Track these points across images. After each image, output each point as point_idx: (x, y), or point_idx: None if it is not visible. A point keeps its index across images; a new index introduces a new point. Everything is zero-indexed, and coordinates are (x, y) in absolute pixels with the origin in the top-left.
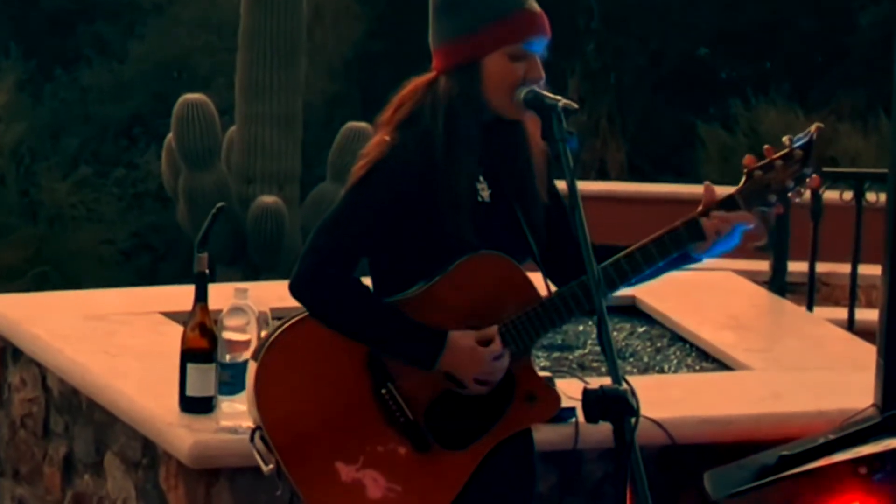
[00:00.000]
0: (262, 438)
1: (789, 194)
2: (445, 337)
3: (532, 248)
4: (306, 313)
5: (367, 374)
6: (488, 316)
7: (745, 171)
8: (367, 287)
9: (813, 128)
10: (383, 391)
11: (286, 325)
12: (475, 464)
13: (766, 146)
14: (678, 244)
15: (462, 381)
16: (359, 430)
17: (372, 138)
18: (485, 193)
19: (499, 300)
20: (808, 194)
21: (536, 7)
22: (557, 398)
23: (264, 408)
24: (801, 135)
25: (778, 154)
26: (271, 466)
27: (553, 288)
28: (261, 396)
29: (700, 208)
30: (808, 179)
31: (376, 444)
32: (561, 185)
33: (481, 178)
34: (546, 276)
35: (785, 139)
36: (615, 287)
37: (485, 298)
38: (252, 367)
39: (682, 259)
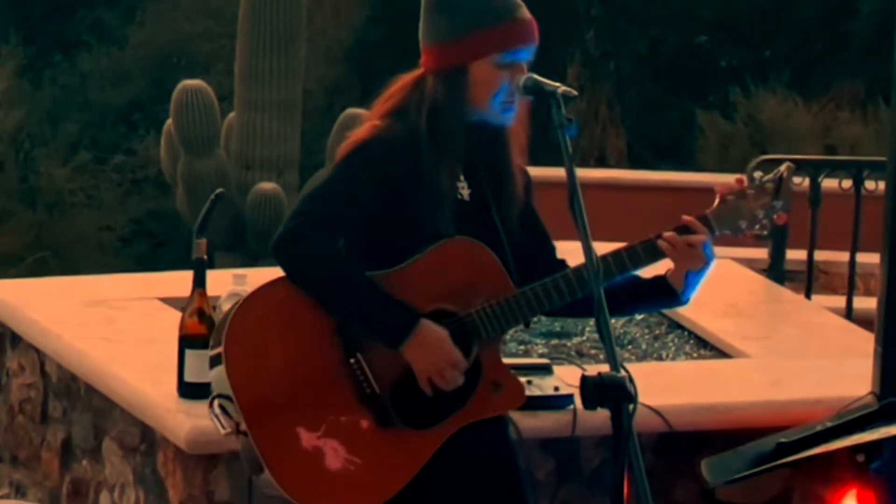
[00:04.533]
0: (221, 406)
1: (757, 226)
2: (418, 320)
3: (505, 247)
4: (281, 276)
5: (338, 340)
6: (460, 300)
7: (719, 195)
8: (347, 255)
9: (783, 167)
10: (352, 360)
11: (260, 287)
12: (436, 446)
13: (737, 176)
14: (651, 257)
15: (417, 372)
16: (324, 397)
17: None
18: (465, 192)
19: (472, 286)
20: (806, 182)
21: (527, 14)
22: (521, 389)
23: (231, 366)
24: (770, 174)
25: (750, 185)
26: (228, 430)
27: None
28: (229, 356)
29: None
30: (775, 215)
31: (340, 413)
32: (560, 172)
33: (462, 178)
34: (516, 276)
35: (756, 174)
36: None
37: (458, 282)
38: (218, 336)
39: (667, 298)
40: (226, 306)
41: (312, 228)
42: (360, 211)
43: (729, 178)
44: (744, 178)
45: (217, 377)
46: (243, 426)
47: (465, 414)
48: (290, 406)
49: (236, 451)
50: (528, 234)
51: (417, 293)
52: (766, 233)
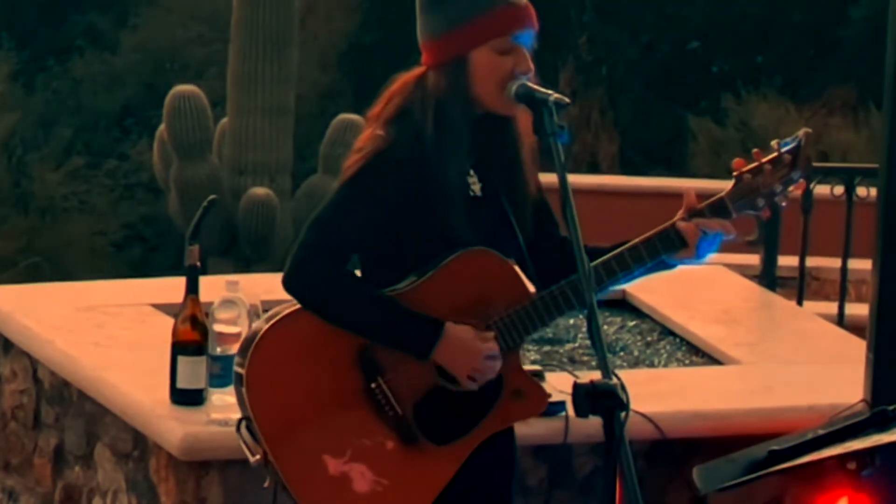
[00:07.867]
0: (249, 429)
1: (776, 199)
2: (443, 326)
3: (520, 242)
4: (298, 307)
5: (358, 368)
6: (479, 312)
7: (735, 174)
8: (358, 277)
9: (801, 132)
10: (373, 385)
11: (277, 318)
12: (462, 459)
13: (754, 150)
14: (667, 246)
15: (454, 374)
16: (347, 423)
17: (363, 133)
18: (476, 188)
19: (489, 297)
20: (799, 189)
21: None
22: (544, 395)
23: (254, 399)
24: (788, 139)
25: (767, 158)
26: (258, 457)
27: (534, 283)
28: (251, 388)
29: (680, 213)
30: (794, 184)
31: (364, 437)
32: (552, 178)
33: (472, 173)
34: (532, 270)
35: (773, 143)
36: (603, 284)
37: (475, 295)
38: (241, 360)
39: (658, 266)
40: (219, 313)
41: (316, 260)
42: (367, 231)
43: (721, 184)
44: (759, 151)
45: (241, 399)
46: (270, 456)
47: (489, 425)
48: (314, 434)
49: (228, 459)
50: (544, 228)
51: (434, 310)
52: (784, 204)
